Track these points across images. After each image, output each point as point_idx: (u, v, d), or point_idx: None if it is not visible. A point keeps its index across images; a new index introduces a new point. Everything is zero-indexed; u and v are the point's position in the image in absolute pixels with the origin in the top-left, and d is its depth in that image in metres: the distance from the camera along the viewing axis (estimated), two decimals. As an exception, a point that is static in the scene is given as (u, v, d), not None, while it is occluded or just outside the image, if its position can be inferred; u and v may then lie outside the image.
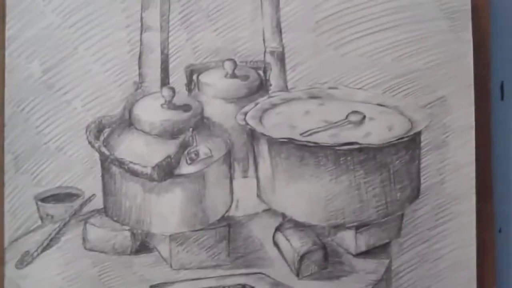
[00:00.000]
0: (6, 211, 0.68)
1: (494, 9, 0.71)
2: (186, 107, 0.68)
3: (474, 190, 0.69)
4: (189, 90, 0.71)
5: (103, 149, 0.66)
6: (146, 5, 0.70)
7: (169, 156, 0.65)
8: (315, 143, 0.65)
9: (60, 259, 0.68)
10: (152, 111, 0.67)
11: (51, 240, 0.69)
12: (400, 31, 0.70)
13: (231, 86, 0.71)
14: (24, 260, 0.68)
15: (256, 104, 0.71)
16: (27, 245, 0.69)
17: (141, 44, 0.70)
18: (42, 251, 0.68)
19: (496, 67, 0.72)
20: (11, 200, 0.68)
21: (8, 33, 0.69)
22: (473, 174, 0.69)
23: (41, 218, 0.69)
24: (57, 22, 0.69)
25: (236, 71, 0.71)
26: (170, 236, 0.67)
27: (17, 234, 0.68)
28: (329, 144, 0.65)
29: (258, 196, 0.70)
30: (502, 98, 0.73)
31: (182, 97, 0.69)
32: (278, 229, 0.69)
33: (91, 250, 0.69)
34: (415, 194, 0.69)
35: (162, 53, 0.70)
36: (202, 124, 0.68)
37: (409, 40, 0.70)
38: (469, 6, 0.70)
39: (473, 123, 0.70)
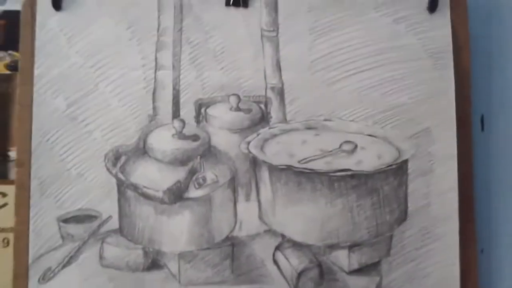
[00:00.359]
0: (31, 231, 0.71)
1: (473, 50, 0.74)
2: (195, 137, 0.71)
3: (457, 213, 0.71)
4: (198, 122, 0.73)
5: (120, 175, 0.70)
6: (160, 47, 0.73)
7: (179, 181, 0.69)
8: (311, 169, 0.69)
9: (79, 275, 0.70)
10: (164, 141, 0.70)
11: (71, 258, 0.71)
12: (387, 69, 0.73)
13: (236, 118, 0.73)
14: (46, 276, 0.70)
15: (258, 134, 0.73)
16: (49, 262, 0.71)
17: (155, 81, 0.73)
18: (63, 267, 0.71)
19: (477, 101, 0.75)
20: (36, 221, 0.71)
21: (36, 72, 0.72)
22: (456, 199, 0.72)
23: (63, 237, 0.71)
24: (80, 62, 0.72)
25: (240, 105, 0.73)
26: (179, 254, 0.70)
27: (40, 252, 0.71)
28: (324, 171, 0.68)
29: (260, 218, 0.72)
30: (482, 129, 0.77)
31: (191, 128, 0.73)
32: (277, 248, 0.72)
33: (107, 267, 0.71)
34: (403, 216, 0.71)
35: (173, 89, 0.73)
36: (209, 152, 0.71)
37: (396, 78, 0.73)
38: (451, 47, 0.73)
39: (455, 152, 0.72)
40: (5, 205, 0.77)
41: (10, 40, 0.80)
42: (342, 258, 0.71)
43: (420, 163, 0.72)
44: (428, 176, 0.72)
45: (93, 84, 0.72)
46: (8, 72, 0.81)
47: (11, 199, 0.75)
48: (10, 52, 0.81)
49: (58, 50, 0.73)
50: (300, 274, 0.69)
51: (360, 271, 0.71)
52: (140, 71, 0.73)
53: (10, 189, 0.75)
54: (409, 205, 0.72)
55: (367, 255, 0.71)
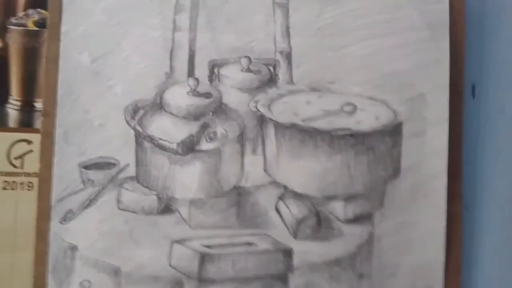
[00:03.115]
0: (54, 176, 0.74)
1: (468, 23, 0.77)
2: (207, 95, 0.75)
3: (446, 173, 0.75)
4: (211, 80, 0.76)
5: (138, 127, 0.73)
6: (178, 9, 0.76)
7: (191, 135, 0.72)
8: (314, 128, 0.72)
9: (97, 217, 0.74)
10: (179, 97, 0.74)
11: (90, 201, 0.75)
12: (388, 39, 0.76)
13: (246, 78, 0.76)
14: (67, 217, 0.74)
15: (266, 94, 0.77)
16: (70, 204, 0.74)
17: (172, 42, 0.76)
18: (83, 209, 0.74)
19: (469, 71, 0.78)
20: (59, 167, 0.74)
21: (63, 28, 0.75)
22: (446, 159, 0.75)
23: (83, 182, 0.75)
24: (104, 20, 0.75)
25: (250, 67, 0.76)
26: (190, 200, 0.74)
27: (63, 195, 0.74)
28: (326, 129, 0.72)
29: (265, 170, 0.76)
30: (473, 97, 0.80)
31: (204, 86, 0.76)
32: (280, 198, 0.75)
33: (123, 210, 0.74)
34: (396, 173, 0.75)
35: (189, 49, 0.76)
36: (220, 109, 0.75)
37: (396, 46, 0.76)
38: (447, 20, 0.76)
39: (447, 116, 0.75)
40: (30, 151, 0.80)
41: (38, -1, 0.85)
42: (338, 209, 0.74)
43: (414, 125, 0.75)
44: (420, 137, 0.75)
45: (116, 42, 0.75)
46: (36, 28, 0.83)
47: (35, 146, 0.79)
48: (38, 10, 0.84)
49: (84, 8, 0.75)
50: (299, 222, 0.72)
51: (354, 220, 0.75)
52: (159, 32, 0.75)
53: (35, 137, 0.79)
54: (402, 163, 0.75)
55: (362, 207, 0.75)
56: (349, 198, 0.74)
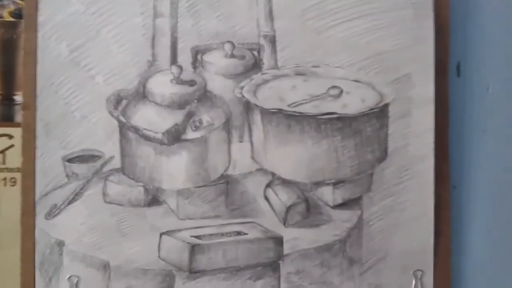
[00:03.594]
0: (38, 170, 0.72)
1: (452, 1, 0.76)
2: (191, 82, 0.73)
3: (433, 153, 0.74)
4: (194, 67, 0.75)
5: (121, 118, 0.72)
6: None
7: (177, 124, 0.70)
8: (300, 113, 0.71)
9: (83, 211, 0.72)
10: (163, 85, 0.72)
11: (75, 195, 0.73)
12: (372, 19, 0.74)
13: (230, 64, 0.75)
14: (52, 212, 0.72)
15: (251, 79, 0.75)
16: (55, 199, 0.72)
17: (153, 29, 0.73)
18: (68, 204, 0.72)
19: (454, 49, 0.77)
20: (42, 161, 0.72)
21: (40, 19, 0.72)
22: (432, 139, 0.74)
23: (68, 176, 0.73)
24: (81, 9, 0.73)
25: (234, 52, 0.75)
26: (177, 191, 0.72)
27: (47, 190, 0.72)
28: (312, 114, 0.71)
29: (252, 157, 0.75)
30: (458, 76, 0.78)
31: (188, 73, 0.74)
32: (268, 185, 0.75)
33: (110, 203, 0.73)
34: (383, 155, 0.74)
35: (171, 36, 0.74)
36: (205, 96, 0.73)
37: (380, 27, 0.74)
38: (431, -1, 0.77)
39: (433, 96, 0.74)
40: (11, 146, 0.78)
41: (13, -12, 0.82)
42: (327, 194, 0.74)
43: (400, 106, 0.74)
44: (407, 118, 0.74)
45: (95, 31, 0.73)
46: (12, 19, 0.81)
47: (17, 141, 0.76)
48: (14, 0, 0.82)
49: (60, -2, 0.75)
50: (288, 209, 0.72)
51: (343, 205, 0.74)
52: (139, 18, 0.73)
53: (16, 131, 0.76)
54: (389, 145, 0.74)
55: (350, 191, 0.74)
56: (337, 183, 0.73)
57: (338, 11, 0.74)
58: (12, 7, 0.82)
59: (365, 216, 0.74)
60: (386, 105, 0.73)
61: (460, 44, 0.78)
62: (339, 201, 0.74)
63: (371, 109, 0.72)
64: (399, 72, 0.74)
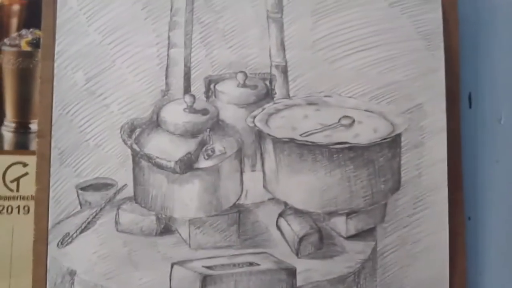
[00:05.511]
0: (51, 198, 0.70)
1: (463, 32, 0.74)
2: (204, 111, 0.71)
3: (446, 183, 0.71)
4: (207, 97, 0.73)
5: (135, 146, 0.69)
6: (172, 26, 0.72)
7: (189, 153, 0.68)
8: (312, 142, 0.68)
9: (96, 239, 0.70)
10: (176, 114, 0.70)
11: (88, 223, 0.71)
12: (383, 49, 0.73)
13: (243, 94, 0.73)
14: (65, 241, 0.70)
15: (263, 109, 0.73)
16: (67, 227, 0.70)
17: (168, 59, 0.72)
18: (81, 232, 0.70)
19: (465, 80, 0.75)
20: (56, 189, 0.70)
21: (57, 48, 0.71)
22: (446, 169, 0.72)
23: (81, 204, 0.71)
24: (98, 39, 0.72)
25: (246, 82, 0.73)
26: (189, 220, 0.70)
27: (60, 218, 0.70)
28: (324, 143, 0.68)
29: (264, 187, 0.72)
30: (470, 107, 0.76)
31: (201, 103, 0.72)
32: (280, 215, 0.72)
33: (122, 232, 0.71)
34: (397, 186, 0.71)
35: (185, 66, 0.73)
36: (217, 125, 0.71)
37: (391, 57, 0.73)
38: (441, 29, 0.73)
39: (445, 126, 0.72)
40: (25, 174, 0.76)
41: (31, 19, 0.79)
42: (340, 224, 0.71)
43: (413, 136, 0.72)
44: (419, 148, 0.72)
45: (111, 61, 0.72)
46: (30, 49, 0.80)
47: (31, 169, 0.74)
48: (32, 30, 0.80)
49: (77, 28, 0.72)
50: (301, 239, 0.69)
51: (356, 236, 0.71)
52: (154, 49, 0.72)
53: (30, 159, 0.74)
54: (402, 175, 0.71)
55: (363, 222, 0.71)
56: (350, 213, 0.70)
57: (349, 42, 0.73)
58: (29, 37, 0.80)
59: (379, 247, 0.71)
60: (399, 135, 0.71)
61: (471, 74, 0.76)
62: (353, 232, 0.71)
63: (383, 139, 0.69)
64: (411, 102, 0.72)
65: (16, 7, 0.81)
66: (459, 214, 0.72)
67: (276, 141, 0.70)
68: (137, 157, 0.70)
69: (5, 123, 0.80)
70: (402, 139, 0.71)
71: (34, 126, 0.79)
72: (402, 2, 0.74)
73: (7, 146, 0.79)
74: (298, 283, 0.67)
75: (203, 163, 0.68)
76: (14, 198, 0.76)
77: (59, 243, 0.69)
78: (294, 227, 0.70)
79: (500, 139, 0.75)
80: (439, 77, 0.72)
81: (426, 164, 0.72)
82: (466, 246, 0.72)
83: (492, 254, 0.74)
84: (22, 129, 0.80)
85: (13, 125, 0.80)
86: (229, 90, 0.73)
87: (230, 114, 0.73)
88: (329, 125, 0.71)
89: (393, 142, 0.70)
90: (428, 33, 0.73)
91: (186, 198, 0.68)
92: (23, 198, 0.76)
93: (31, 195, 0.75)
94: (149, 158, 0.68)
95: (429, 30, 0.73)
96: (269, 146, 0.70)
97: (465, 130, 0.74)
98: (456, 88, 0.73)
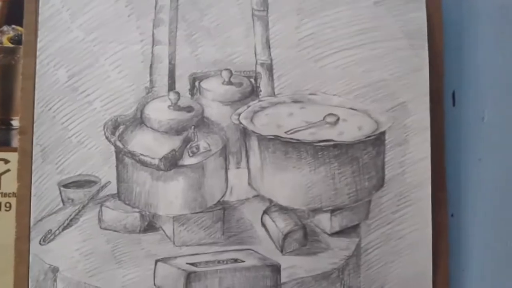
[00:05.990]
0: (33, 195, 0.69)
1: (446, 30, 0.74)
2: (189, 109, 0.71)
3: (429, 181, 0.72)
4: (192, 94, 0.73)
5: (118, 143, 0.69)
6: (157, 23, 0.72)
7: (174, 150, 0.68)
8: (297, 140, 0.68)
9: (79, 236, 0.69)
10: (160, 112, 0.69)
11: (71, 220, 0.70)
12: (368, 48, 0.73)
13: (227, 91, 0.72)
14: (47, 238, 0.69)
15: (248, 106, 0.73)
16: (50, 224, 0.69)
17: (152, 56, 0.71)
18: (63, 229, 0.69)
19: (449, 78, 0.75)
20: (38, 186, 0.69)
21: (39, 45, 0.70)
22: (429, 167, 0.72)
23: (63, 201, 0.70)
24: (81, 36, 0.71)
25: (231, 79, 0.72)
26: (173, 217, 0.69)
27: (42, 215, 0.69)
28: (309, 141, 0.68)
29: (249, 184, 0.72)
30: (453, 105, 0.76)
31: (186, 100, 0.72)
32: (265, 212, 0.71)
33: (105, 229, 0.70)
34: (381, 183, 0.71)
35: (169, 63, 0.72)
36: (202, 123, 0.71)
37: (376, 56, 0.73)
38: (425, 28, 0.73)
39: (429, 125, 0.72)
40: (7, 171, 0.75)
41: (13, 15, 0.78)
42: (324, 221, 0.71)
43: (397, 134, 0.72)
44: (403, 146, 0.72)
45: (94, 58, 0.71)
46: (11, 45, 0.79)
47: (13, 165, 0.73)
48: (13, 26, 0.79)
49: (60, 25, 0.71)
50: (286, 236, 0.68)
51: (341, 233, 0.71)
52: (138, 46, 0.71)
53: (12, 156, 0.74)
54: (386, 172, 0.71)
55: (348, 218, 0.71)
56: (334, 210, 0.70)
57: (334, 41, 0.73)
58: (11, 33, 0.79)
59: (363, 244, 0.71)
60: (383, 133, 0.71)
61: (455, 73, 0.76)
62: (337, 228, 0.71)
63: (368, 137, 0.69)
64: (395, 100, 0.72)
65: (-2, 3, 0.81)
66: (443, 211, 0.72)
67: (261, 138, 0.69)
68: (120, 154, 0.69)
69: (-13, 119, 0.81)
70: (386, 137, 0.71)
71: (16, 123, 0.77)
72: (387, 1, 0.74)
73: (-12, 143, 0.80)
74: (283, 280, 0.67)
75: (188, 160, 0.68)
76: (-5, 195, 0.77)
77: (41, 240, 0.68)
78: (279, 224, 0.70)
79: (483, 138, 0.75)
80: (423, 75, 0.73)
81: (410, 161, 0.72)
82: (449, 242, 0.72)
83: (475, 250, 0.74)
84: (3, 125, 0.79)
85: (-5, 121, 0.81)
86: (214, 88, 0.72)
87: (215, 111, 0.72)
88: (314, 123, 0.71)
89: (377, 140, 0.70)
90: (412, 32, 0.73)
91: (170, 195, 0.68)
92: (4, 195, 0.75)
93: (13, 192, 0.73)
94: (133, 155, 0.67)
95: (414, 29, 0.73)
96: (254, 144, 0.70)
97: (448, 128, 0.74)
98: (440, 87, 0.74)
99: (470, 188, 0.75)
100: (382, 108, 0.72)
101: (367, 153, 0.69)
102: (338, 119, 0.70)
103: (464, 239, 0.74)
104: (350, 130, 0.70)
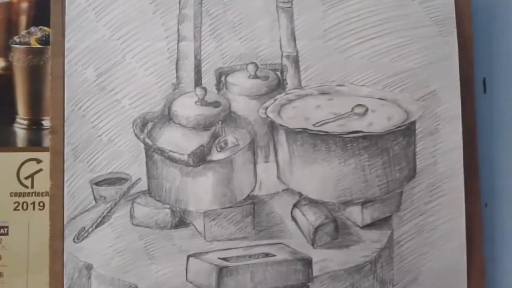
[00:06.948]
0: (66, 194, 0.69)
1: (475, 16, 0.73)
2: (216, 104, 0.70)
3: (462, 170, 0.70)
4: (219, 89, 0.72)
5: (147, 140, 0.69)
6: (182, 19, 0.71)
7: (202, 145, 0.67)
8: (325, 132, 0.67)
9: (111, 233, 0.69)
10: (187, 108, 0.69)
11: (103, 218, 0.70)
12: (396, 36, 0.71)
13: (254, 85, 0.72)
14: (81, 235, 0.69)
15: (275, 100, 0.72)
16: (83, 222, 0.70)
17: (178, 52, 0.71)
18: (96, 227, 0.70)
19: (479, 65, 0.73)
20: (70, 185, 0.70)
21: (67, 44, 0.71)
22: (461, 156, 0.70)
23: (95, 199, 0.70)
24: (107, 34, 0.71)
25: (257, 73, 0.72)
26: (204, 212, 0.69)
27: (75, 213, 0.70)
28: (337, 133, 0.67)
29: (278, 177, 0.71)
30: (484, 92, 0.75)
31: (212, 95, 0.71)
32: (295, 205, 0.71)
33: (137, 225, 0.70)
34: (412, 174, 0.70)
35: (195, 59, 0.71)
36: (229, 117, 0.70)
37: (404, 44, 0.71)
38: (454, 14, 0.72)
39: (460, 113, 0.71)
40: (39, 170, 0.76)
41: (40, 16, 0.79)
42: (355, 214, 0.70)
43: (427, 123, 0.70)
44: (434, 135, 0.70)
45: (121, 56, 0.71)
46: (39, 46, 0.79)
47: (45, 165, 0.74)
48: (41, 27, 0.80)
49: (86, 24, 0.71)
50: (317, 229, 0.68)
51: (372, 225, 0.70)
52: (163, 43, 0.71)
53: (44, 156, 0.75)
54: (417, 163, 0.70)
55: (379, 211, 0.70)
56: (365, 203, 0.69)
57: (359, 30, 0.71)
58: (39, 34, 0.80)
59: (395, 236, 0.69)
60: (413, 123, 0.69)
61: (485, 59, 0.74)
62: (368, 221, 0.70)
63: (398, 127, 0.68)
64: (425, 89, 0.71)
65: (24, 5, 0.81)
66: (476, 200, 0.71)
67: (289, 131, 0.68)
68: (150, 151, 0.69)
69: (18, 120, 0.80)
70: (417, 126, 0.70)
71: (46, 123, 0.78)
72: (413, -12, 0.74)
73: (20, 143, 0.79)
74: (315, 273, 0.67)
75: (216, 156, 0.68)
76: (29, 194, 0.76)
77: (75, 238, 0.69)
78: (309, 217, 0.69)
79: (516, 124, 0.76)
80: (453, 63, 0.71)
81: (442, 151, 0.70)
82: (483, 234, 0.71)
83: (510, 240, 0.73)
84: (35, 125, 0.80)
85: (26, 122, 0.80)
86: (240, 82, 0.72)
87: (242, 105, 0.71)
88: (342, 114, 0.69)
89: (407, 130, 0.69)
90: (440, 18, 0.71)
91: (200, 190, 0.68)
92: (38, 194, 0.76)
93: (46, 191, 0.75)
94: (162, 152, 0.67)
95: (442, 15, 0.71)
96: (282, 137, 0.69)
97: (480, 116, 0.72)
98: (470, 74, 0.72)
99: (503, 176, 0.73)
100: (412, 97, 0.71)
101: (397, 144, 0.68)
102: (366, 109, 0.69)
103: (498, 229, 0.73)
104: (379, 120, 0.68)
